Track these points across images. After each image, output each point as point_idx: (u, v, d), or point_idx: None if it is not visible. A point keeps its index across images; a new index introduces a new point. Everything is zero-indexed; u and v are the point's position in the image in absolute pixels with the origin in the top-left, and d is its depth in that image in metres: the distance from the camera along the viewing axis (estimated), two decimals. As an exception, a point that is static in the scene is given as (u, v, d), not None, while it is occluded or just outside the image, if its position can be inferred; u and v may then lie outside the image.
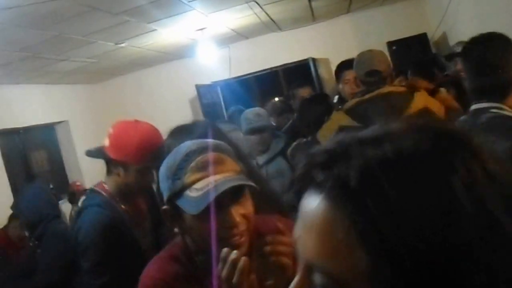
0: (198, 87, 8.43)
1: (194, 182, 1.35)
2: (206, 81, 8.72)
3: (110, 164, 2.37)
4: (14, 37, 4.83)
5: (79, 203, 2.46)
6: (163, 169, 1.42)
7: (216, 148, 1.40)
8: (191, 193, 1.34)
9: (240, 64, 8.79)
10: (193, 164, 1.35)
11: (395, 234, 0.55)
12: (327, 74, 8.34)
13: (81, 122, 8.45)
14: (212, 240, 1.35)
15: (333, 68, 8.36)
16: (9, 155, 6.92)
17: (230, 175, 1.35)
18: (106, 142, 2.33)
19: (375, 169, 0.58)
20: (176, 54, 8.38)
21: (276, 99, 6.81)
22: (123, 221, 2.33)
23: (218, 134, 1.88)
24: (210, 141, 1.45)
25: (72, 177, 8.10)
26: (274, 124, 4.59)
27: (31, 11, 4.19)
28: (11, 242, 5.09)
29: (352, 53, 3.96)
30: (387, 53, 4.45)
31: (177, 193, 1.37)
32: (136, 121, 2.37)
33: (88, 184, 7.40)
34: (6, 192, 6.46)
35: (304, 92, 5.62)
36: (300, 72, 8.02)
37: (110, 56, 7.13)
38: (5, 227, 5.43)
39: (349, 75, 3.99)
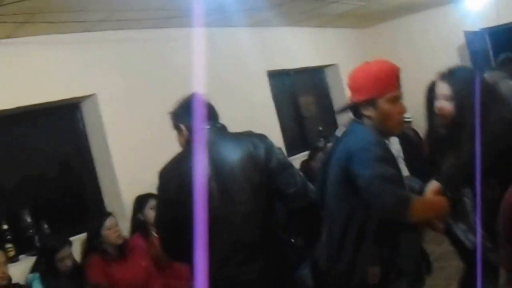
0: (467, 34, 7.57)
1: None
2: (473, 27, 7.63)
3: (358, 110, 2.34)
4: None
5: (339, 133, 2.45)
6: None
7: None
8: None
9: (508, 9, 7.44)
10: None
11: None
12: None
13: (350, 66, 7.85)
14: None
15: None
16: (279, 97, 6.73)
17: None
18: (348, 93, 2.40)
19: None
20: (444, -2, 7.43)
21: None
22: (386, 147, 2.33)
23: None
24: None
25: (341, 120, 7.71)
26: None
27: None
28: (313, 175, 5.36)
29: None
30: None
31: None
32: (367, 62, 2.42)
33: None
34: (277, 133, 6.31)
35: None
36: None
37: (379, 0, 6.56)
38: (306, 161, 5.92)
39: None
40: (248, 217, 2.51)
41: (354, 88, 2.33)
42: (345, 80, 7.92)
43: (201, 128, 2.47)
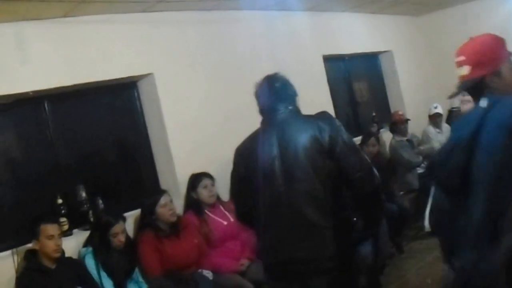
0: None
1: None
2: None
3: (481, 86, 2.18)
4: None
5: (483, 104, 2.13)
6: None
7: None
8: None
9: None
10: None
11: None
12: None
13: (404, 53, 7.74)
14: None
15: None
16: (334, 81, 6.52)
17: None
18: (464, 71, 2.22)
19: None
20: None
21: None
22: None
23: None
24: None
25: (394, 107, 7.51)
26: None
27: None
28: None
29: None
30: None
31: None
32: (471, 38, 2.32)
33: (409, 115, 6.79)
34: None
35: None
36: None
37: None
38: (359, 145, 5.49)
39: None
40: (308, 196, 2.56)
41: (477, 63, 2.22)
42: (398, 66, 7.71)
43: (273, 110, 2.72)
